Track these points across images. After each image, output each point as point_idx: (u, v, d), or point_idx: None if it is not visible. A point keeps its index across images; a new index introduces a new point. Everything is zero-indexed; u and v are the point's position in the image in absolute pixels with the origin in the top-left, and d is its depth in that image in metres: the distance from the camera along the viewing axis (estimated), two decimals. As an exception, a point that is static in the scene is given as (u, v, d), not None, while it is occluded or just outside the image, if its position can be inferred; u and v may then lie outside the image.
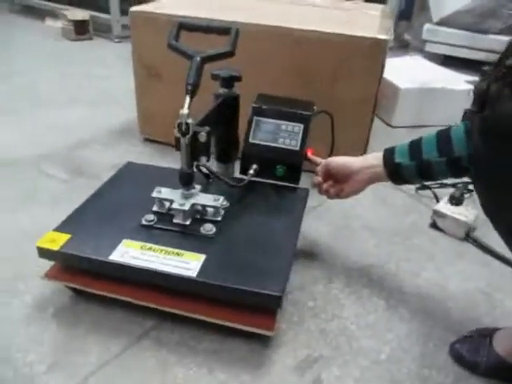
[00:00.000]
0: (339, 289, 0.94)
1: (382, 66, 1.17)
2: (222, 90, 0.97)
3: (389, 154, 0.81)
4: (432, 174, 0.77)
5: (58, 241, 0.76)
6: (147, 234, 0.80)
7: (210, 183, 0.94)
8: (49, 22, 3.12)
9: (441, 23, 2.09)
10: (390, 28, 1.28)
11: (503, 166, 0.59)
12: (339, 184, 0.90)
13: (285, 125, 0.94)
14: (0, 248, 0.98)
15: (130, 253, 0.75)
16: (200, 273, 0.72)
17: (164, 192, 0.84)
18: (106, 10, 2.80)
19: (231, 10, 1.45)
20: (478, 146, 0.63)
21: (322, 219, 1.15)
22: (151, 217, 0.82)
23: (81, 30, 2.77)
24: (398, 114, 1.70)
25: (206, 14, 1.26)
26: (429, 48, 2.15)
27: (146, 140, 1.51)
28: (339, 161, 0.89)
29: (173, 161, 1.37)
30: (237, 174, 1.05)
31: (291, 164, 0.93)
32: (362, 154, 1.29)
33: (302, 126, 0.94)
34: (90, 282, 0.79)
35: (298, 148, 0.93)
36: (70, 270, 0.80)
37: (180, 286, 0.74)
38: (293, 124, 0.94)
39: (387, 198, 1.26)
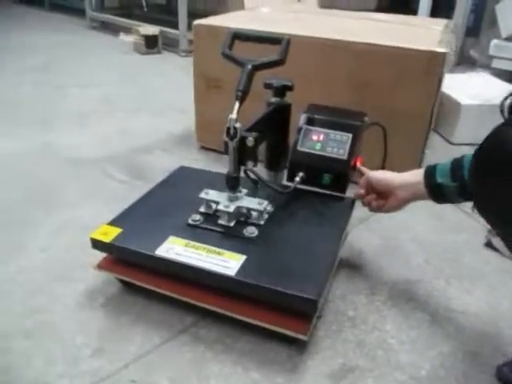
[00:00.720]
0: (382, 301, 0.92)
1: (440, 80, 1.14)
2: (273, 99, 0.99)
3: (430, 173, 0.80)
4: None
5: (109, 234, 0.81)
6: (192, 232, 0.83)
7: (257, 188, 0.96)
8: (122, 36, 3.33)
9: (510, 39, 2.00)
10: (450, 42, 1.25)
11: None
12: (381, 198, 0.90)
13: (333, 134, 0.95)
14: (61, 239, 1.06)
15: (175, 249, 0.78)
16: (238, 272, 0.74)
17: (211, 194, 0.88)
18: (176, 26, 2.95)
19: (293, 23, 1.49)
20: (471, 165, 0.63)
21: (372, 231, 1.14)
22: (197, 217, 0.86)
23: (151, 44, 2.93)
24: (458, 131, 1.65)
25: (267, 27, 1.30)
26: (496, 64, 2.06)
27: (202, 148, 1.56)
28: (380, 176, 0.89)
29: (225, 168, 1.41)
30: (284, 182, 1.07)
31: (338, 173, 0.93)
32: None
33: (350, 135, 0.95)
34: (137, 275, 0.83)
35: (345, 157, 0.93)
36: (121, 263, 0.85)
37: (219, 283, 0.76)
38: (341, 133, 0.95)
39: (441, 212, 1.23)
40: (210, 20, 1.44)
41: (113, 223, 0.85)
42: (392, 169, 1.20)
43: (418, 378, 0.76)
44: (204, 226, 0.85)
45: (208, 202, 0.88)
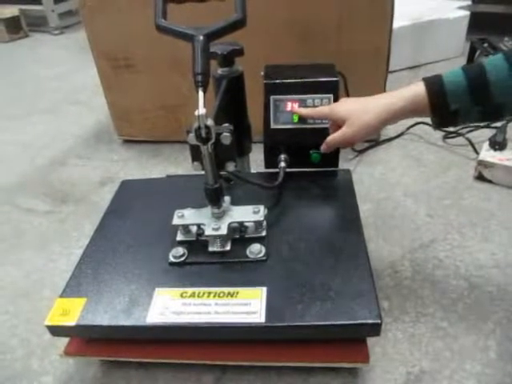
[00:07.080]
0: (410, 278, 0.79)
1: (393, 7, 0.99)
2: (221, 71, 0.78)
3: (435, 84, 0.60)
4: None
5: (72, 311, 0.58)
6: (181, 274, 0.63)
7: (231, 186, 0.77)
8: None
9: None
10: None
11: None
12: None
13: (311, 99, 0.77)
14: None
15: (170, 307, 0.57)
16: (269, 315, 0.55)
17: (188, 215, 0.66)
18: (38, 1, 2.49)
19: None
20: None
21: (357, 195, 0.99)
22: (180, 251, 0.64)
23: (13, 28, 2.47)
24: (393, 57, 1.53)
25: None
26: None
27: (126, 142, 1.30)
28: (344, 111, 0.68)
29: (166, 160, 1.19)
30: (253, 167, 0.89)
31: (328, 145, 0.76)
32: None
33: (331, 96, 0.77)
34: (125, 350, 0.62)
35: (332, 124, 0.76)
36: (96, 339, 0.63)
37: (246, 336, 0.57)
38: (320, 96, 0.76)
39: (417, 155, 1.11)
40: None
41: (69, 293, 0.61)
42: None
43: (491, 363, 0.65)
44: (192, 260, 0.64)
45: (185, 226, 0.67)
